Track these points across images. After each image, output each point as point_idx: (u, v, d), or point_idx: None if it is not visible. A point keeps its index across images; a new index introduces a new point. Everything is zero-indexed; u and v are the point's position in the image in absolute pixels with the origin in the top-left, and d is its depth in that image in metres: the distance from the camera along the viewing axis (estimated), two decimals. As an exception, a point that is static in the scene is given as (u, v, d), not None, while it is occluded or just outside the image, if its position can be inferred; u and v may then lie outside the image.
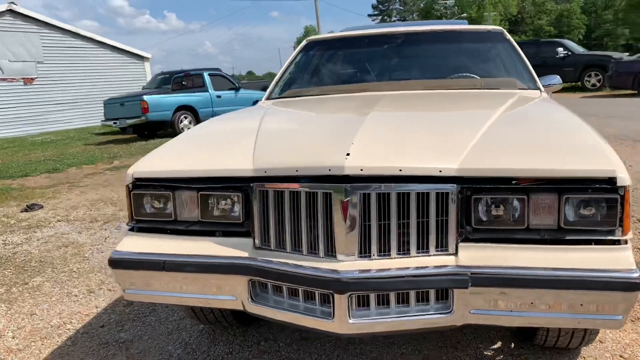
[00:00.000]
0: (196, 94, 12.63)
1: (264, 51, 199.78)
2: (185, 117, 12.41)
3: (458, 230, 1.67)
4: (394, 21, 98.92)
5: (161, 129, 12.71)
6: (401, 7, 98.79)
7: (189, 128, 12.51)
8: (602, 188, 1.60)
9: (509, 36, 3.36)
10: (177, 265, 1.83)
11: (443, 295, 1.68)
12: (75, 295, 3.20)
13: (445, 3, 64.44)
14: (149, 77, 22.46)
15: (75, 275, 3.54)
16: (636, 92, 14.04)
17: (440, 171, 1.65)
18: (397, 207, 1.66)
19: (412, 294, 1.67)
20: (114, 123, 12.25)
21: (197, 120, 12.72)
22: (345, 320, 1.64)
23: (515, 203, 1.66)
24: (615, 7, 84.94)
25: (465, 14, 61.18)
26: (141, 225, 1.99)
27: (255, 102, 14.14)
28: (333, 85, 3.35)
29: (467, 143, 1.78)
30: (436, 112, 2.46)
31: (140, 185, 1.95)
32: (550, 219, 1.65)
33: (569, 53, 16.91)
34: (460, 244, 1.68)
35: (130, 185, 1.97)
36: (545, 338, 2.16)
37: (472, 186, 1.66)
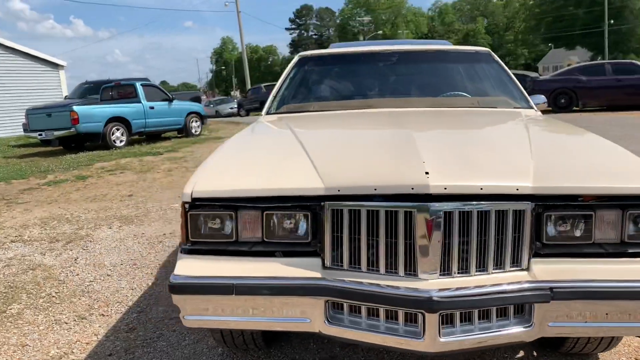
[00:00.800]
0: (128, 105, 12.13)
1: (177, 61, 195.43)
2: (117, 129, 11.88)
3: (530, 247, 1.74)
4: (311, 36, 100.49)
5: (89, 141, 12.08)
6: (317, 22, 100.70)
7: (121, 141, 11.99)
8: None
9: (496, 57, 3.54)
10: (249, 289, 1.76)
11: (520, 310, 1.74)
12: (66, 323, 2.97)
13: (363, 20, 66.52)
14: (64, 86, 21.31)
15: (56, 300, 3.29)
16: (551, 109, 15.15)
17: (517, 189, 1.71)
18: (477, 225, 1.70)
19: (493, 309, 1.71)
20: (40, 135, 11.49)
21: (130, 132, 12.22)
22: (436, 339, 1.65)
23: (583, 219, 1.75)
24: (515, 28, 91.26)
25: (380, 32, 63.37)
26: (197, 247, 1.89)
27: (189, 114, 13.96)
28: (334, 100, 3.37)
29: (526, 162, 1.86)
30: (467, 130, 2.54)
31: (199, 205, 1.86)
32: (613, 233, 1.76)
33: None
34: (532, 260, 1.74)
35: (187, 205, 1.87)
36: (573, 345, 2.28)
37: (545, 203, 1.73)
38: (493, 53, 3.57)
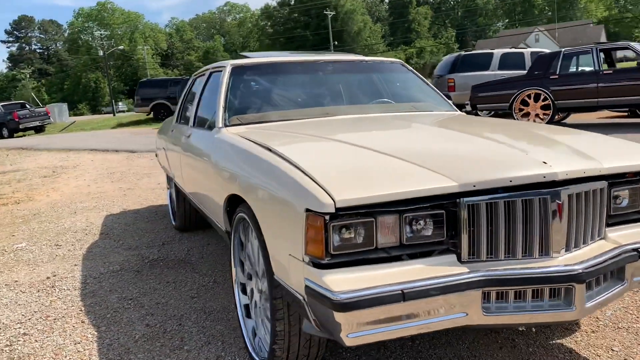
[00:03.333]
0: None
1: None
2: None
3: (606, 219, 2.09)
4: (34, 50, 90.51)
5: None
6: (42, 35, 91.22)
7: None
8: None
9: (409, 67, 3.92)
10: (417, 293, 1.72)
11: (611, 272, 2.06)
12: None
13: (100, 34, 62.41)
14: None
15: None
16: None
17: (600, 171, 2.04)
18: (586, 204, 1.98)
19: (601, 275, 2.00)
20: None
21: None
22: (583, 306, 1.86)
23: (631, 192, 2.16)
24: (250, 47, 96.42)
25: (121, 47, 60.48)
26: (336, 260, 1.77)
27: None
28: (288, 109, 3.32)
29: (573, 148, 2.21)
30: (474, 128, 2.77)
31: (340, 215, 1.75)
32: (649, 199, 2.22)
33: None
34: (606, 229, 2.10)
35: (327, 217, 1.74)
36: None
37: (612, 181, 2.10)
38: (405, 63, 3.94)
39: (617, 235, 2.09)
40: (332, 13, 58.84)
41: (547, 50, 13.93)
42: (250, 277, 2.64)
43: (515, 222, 1.88)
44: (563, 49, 10.46)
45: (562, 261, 1.88)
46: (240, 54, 4.07)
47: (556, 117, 10.70)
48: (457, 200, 1.85)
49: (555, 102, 10.10)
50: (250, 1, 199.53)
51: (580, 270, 1.84)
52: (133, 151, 12.28)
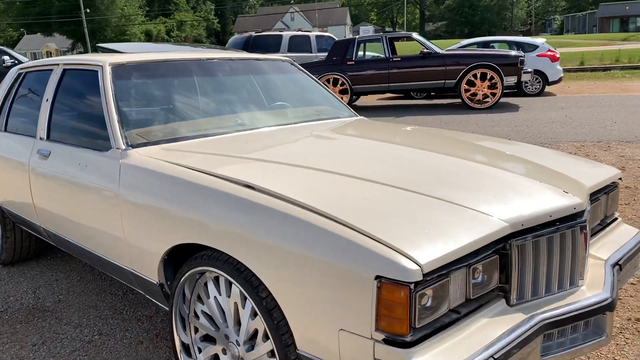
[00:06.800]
0: None
1: None
2: None
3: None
4: None
5: None
6: None
7: None
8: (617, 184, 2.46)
9: (299, 66, 3.62)
10: (505, 354, 1.56)
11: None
12: None
13: None
14: None
15: None
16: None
17: (590, 192, 2.12)
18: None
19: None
20: None
21: None
22: (611, 332, 1.91)
23: (595, 207, 2.30)
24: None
25: None
26: (418, 334, 1.50)
27: None
28: (196, 119, 2.77)
29: (559, 174, 2.23)
30: (431, 147, 2.59)
31: (423, 281, 1.47)
32: (603, 212, 2.39)
33: (15, 61, 16.10)
34: None
35: (412, 286, 1.44)
36: None
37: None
38: (294, 62, 3.63)
39: (594, 249, 2.20)
40: (82, -23, 53.05)
41: (328, 34, 14.68)
42: (208, 339, 2.15)
43: (552, 257, 1.83)
44: (357, 37, 11.08)
45: (587, 290, 1.90)
46: (100, 45, 3.25)
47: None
48: (508, 242, 1.72)
49: (353, 86, 10.69)
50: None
51: (611, 298, 1.87)
52: None
